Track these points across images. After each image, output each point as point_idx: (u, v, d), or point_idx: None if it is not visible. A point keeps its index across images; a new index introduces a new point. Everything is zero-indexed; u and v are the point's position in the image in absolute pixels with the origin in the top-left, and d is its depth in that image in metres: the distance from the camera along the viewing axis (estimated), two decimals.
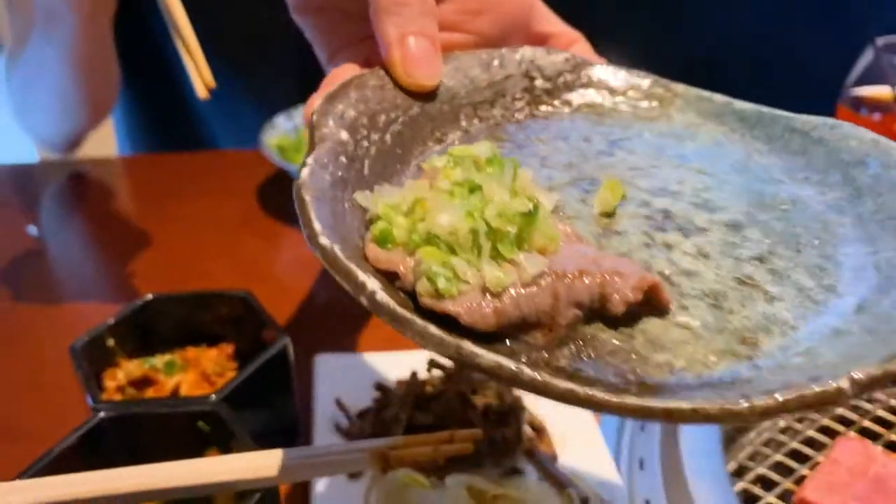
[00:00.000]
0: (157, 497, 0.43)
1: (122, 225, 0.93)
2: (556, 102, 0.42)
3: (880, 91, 0.91)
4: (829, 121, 0.36)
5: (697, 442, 0.52)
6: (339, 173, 0.31)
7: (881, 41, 0.90)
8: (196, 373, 0.57)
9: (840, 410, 0.68)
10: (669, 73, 0.45)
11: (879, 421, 0.66)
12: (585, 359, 0.26)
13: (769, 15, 1.05)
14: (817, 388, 0.23)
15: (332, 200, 0.29)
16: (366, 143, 0.33)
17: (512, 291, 0.25)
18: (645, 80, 0.42)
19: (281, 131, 0.95)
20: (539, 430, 0.55)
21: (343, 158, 0.32)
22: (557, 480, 0.50)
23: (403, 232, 0.27)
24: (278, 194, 0.94)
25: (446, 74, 0.39)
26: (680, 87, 0.42)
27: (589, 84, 0.42)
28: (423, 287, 0.25)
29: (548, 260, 0.27)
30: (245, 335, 0.59)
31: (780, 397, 0.23)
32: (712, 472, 0.49)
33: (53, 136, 1.00)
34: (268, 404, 0.54)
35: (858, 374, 0.23)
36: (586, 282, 0.26)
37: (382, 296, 0.25)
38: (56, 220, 0.96)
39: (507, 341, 0.26)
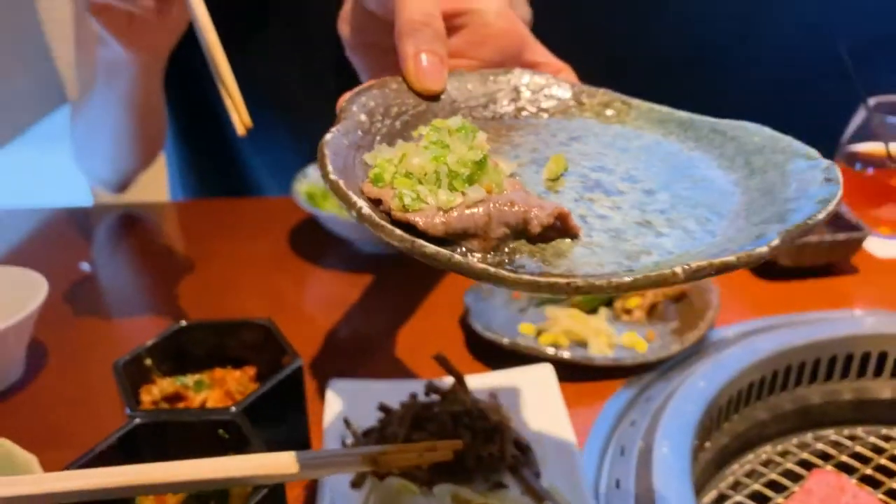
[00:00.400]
0: (182, 489, 0.49)
1: (165, 261, 1.02)
2: (536, 109, 0.51)
3: (874, 147, 0.96)
4: (745, 123, 0.44)
5: (669, 466, 0.57)
6: (355, 141, 0.41)
7: (873, 101, 0.95)
8: (221, 391, 0.63)
9: (820, 446, 0.71)
10: None
11: (857, 456, 0.69)
12: (507, 260, 0.35)
13: (770, 78, 1.11)
14: (658, 272, 0.31)
15: (345, 157, 0.39)
16: (379, 125, 0.44)
17: (457, 211, 0.34)
18: (609, 96, 0.51)
19: (311, 180, 1.03)
20: (524, 449, 0.59)
21: (359, 132, 0.42)
22: (537, 494, 0.55)
23: (390, 175, 0.37)
24: (307, 237, 1.01)
25: (450, 85, 0.49)
26: (635, 101, 0.50)
27: (564, 98, 0.51)
28: (395, 203, 0.35)
29: (491, 194, 0.36)
30: (266, 360, 0.64)
31: (631, 277, 0.31)
32: (679, 492, 0.54)
33: (109, 177, 1.11)
34: (282, 419, 0.59)
35: (688, 265, 0.31)
36: (515, 209, 0.35)
37: (367, 210, 0.34)
38: (106, 256, 1.05)
39: (453, 246, 0.35)
